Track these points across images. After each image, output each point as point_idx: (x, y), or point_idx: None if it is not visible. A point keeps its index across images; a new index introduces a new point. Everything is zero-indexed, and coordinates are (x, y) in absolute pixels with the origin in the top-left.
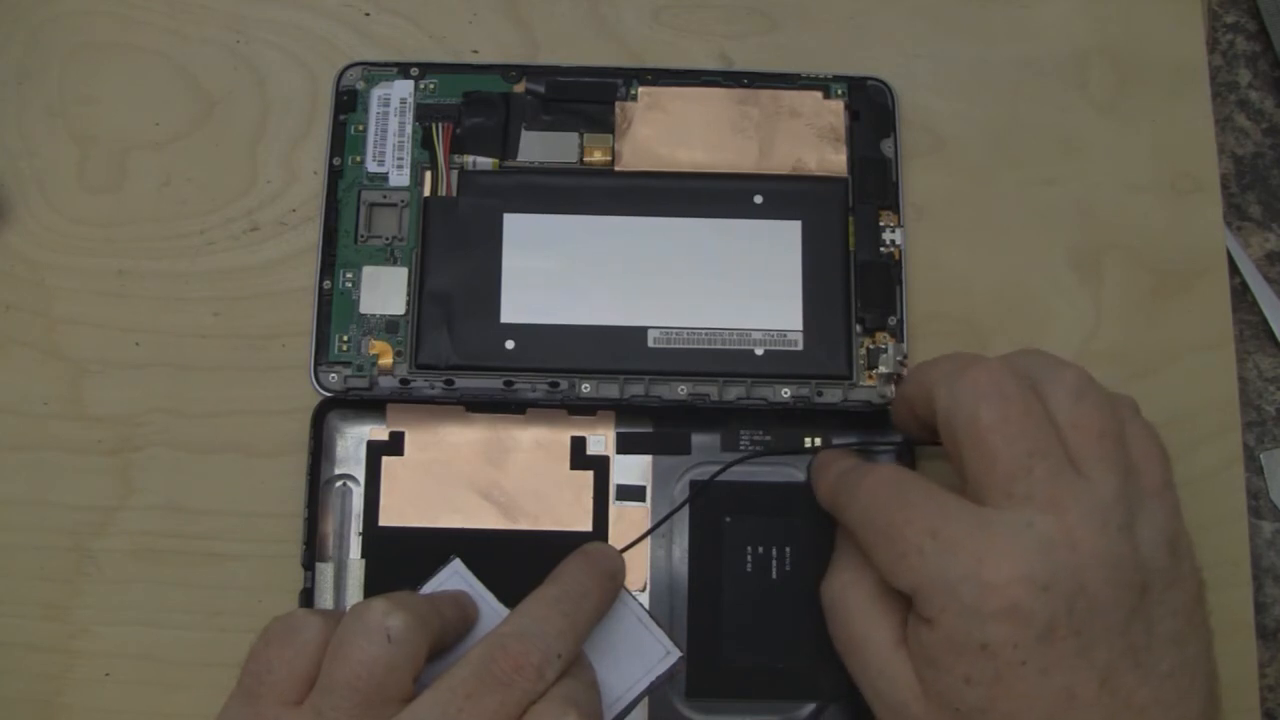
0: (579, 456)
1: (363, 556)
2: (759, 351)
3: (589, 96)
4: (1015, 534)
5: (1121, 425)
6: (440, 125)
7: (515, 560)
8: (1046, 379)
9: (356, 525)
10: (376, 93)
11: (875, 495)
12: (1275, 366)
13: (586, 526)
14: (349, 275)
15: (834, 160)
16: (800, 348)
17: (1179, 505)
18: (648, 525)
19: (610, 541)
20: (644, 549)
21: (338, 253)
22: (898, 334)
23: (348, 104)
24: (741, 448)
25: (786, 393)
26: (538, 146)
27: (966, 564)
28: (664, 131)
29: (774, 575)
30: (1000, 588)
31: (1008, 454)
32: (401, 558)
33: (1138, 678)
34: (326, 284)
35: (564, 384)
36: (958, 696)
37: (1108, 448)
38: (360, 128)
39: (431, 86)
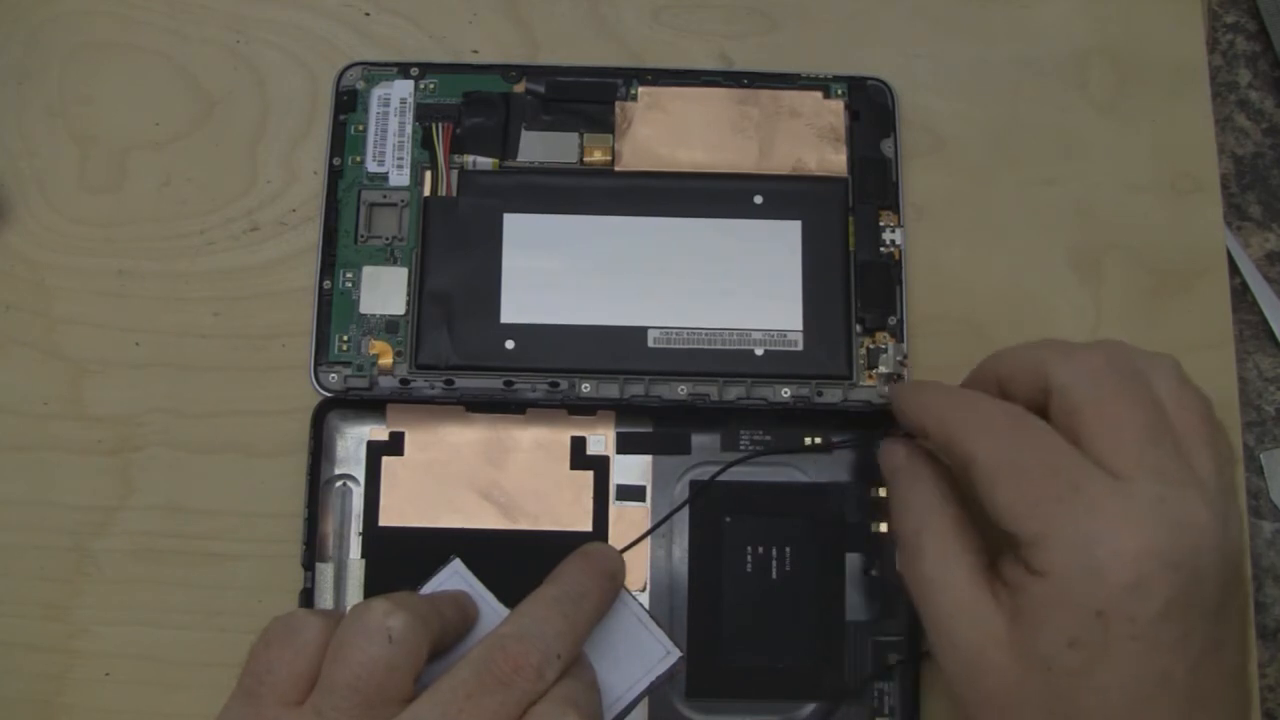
0: (579, 456)
1: (363, 556)
2: (759, 351)
3: (589, 96)
4: (1149, 507)
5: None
6: (440, 125)
7: (515, 560)
8: (1147, 364)
9: (356, 525)
10: (376, 93)
11: (1021, 433)
12: (1275, 366)
13: (586, 526)
14: (349, 275)
15: (834, 160)
16: (800, 348)
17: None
18: (648, 525)
19: (610, 541)
20: (644, 549)
21: (338, 253)
22: (898, 334)
23: (348, 104)
24: (741, 448)
25: (786, 393)
26: (538, 146)
27: (1104, 527)
28: (664, 131)
29: (774, 575)
30: (1133, 558)
31: (1134, 424)
32: (401, 558)
33: (1216, 670)
34: (326, 284)
35: (564, 384)
36: (1055, 656)
37: (1209, 433)
38: (360, 128)
39: (431, 86)
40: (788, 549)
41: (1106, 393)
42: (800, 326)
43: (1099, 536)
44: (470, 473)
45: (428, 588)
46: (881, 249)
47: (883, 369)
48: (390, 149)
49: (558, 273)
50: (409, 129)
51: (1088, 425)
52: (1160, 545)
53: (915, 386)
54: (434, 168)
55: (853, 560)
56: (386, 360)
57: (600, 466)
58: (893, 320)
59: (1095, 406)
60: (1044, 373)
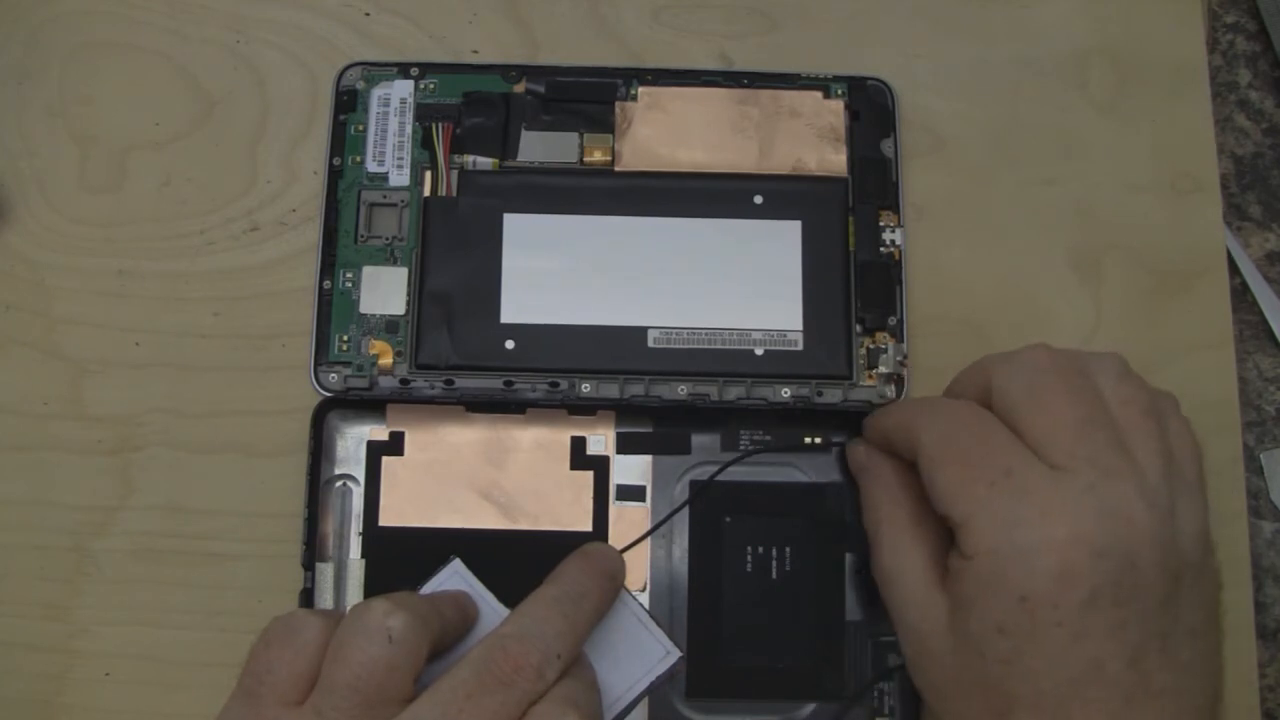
0: (579, 456)
1: (363, 556)
2: (759, 351)
3: (589, 96)
4: (1080, 495)
5: (1162, 413)
6: (440, 125)
7: (515, 560)
8: (1090, 362)
9: (356, 525)
10: (376, 93)
11: (963, 420)
12: (1275, 366)
13: (586, 526)
14: (349, 275)
15: (834, 160)
16: (800, 348)
17: (1207, 504)
18: (648, 525)
19: (610, 541)
20: (644, 549)
21: (338, 253)
22: (898, 334)
23: (348, 104)
24: (741, 448)
25: (786, 393)
26: (538, 146)
27: (1030, 512)
28: (664, 131)
29: (774, 575)
30: (1058, 545)
31: (1070, 417)
32: (401, 558)
33: (1161, 662)
34: (326, 284)
35: (564, 384)
36: (987, 643)
37: (1152, 427)
38: (360, 128)
39: (431, 86)
40: (788, 549)
41: (1043, 387)
42: (800, 326)
43: (1024, 520)
44: (470, 473)
45: (428, 588)
46: (881, 249)
47: (883, 369)
48: (390, 149)
49: (558, 273)
50: (409, 129)
51: (1024, 418)
52: (1087, 533)
53: (884, 408)
54: (434, 168)
55: (852, 560)
56: (386, 360)
57: (600, 466)
58: (893, 320)
59: (1031, 400)
60: (987, 376)
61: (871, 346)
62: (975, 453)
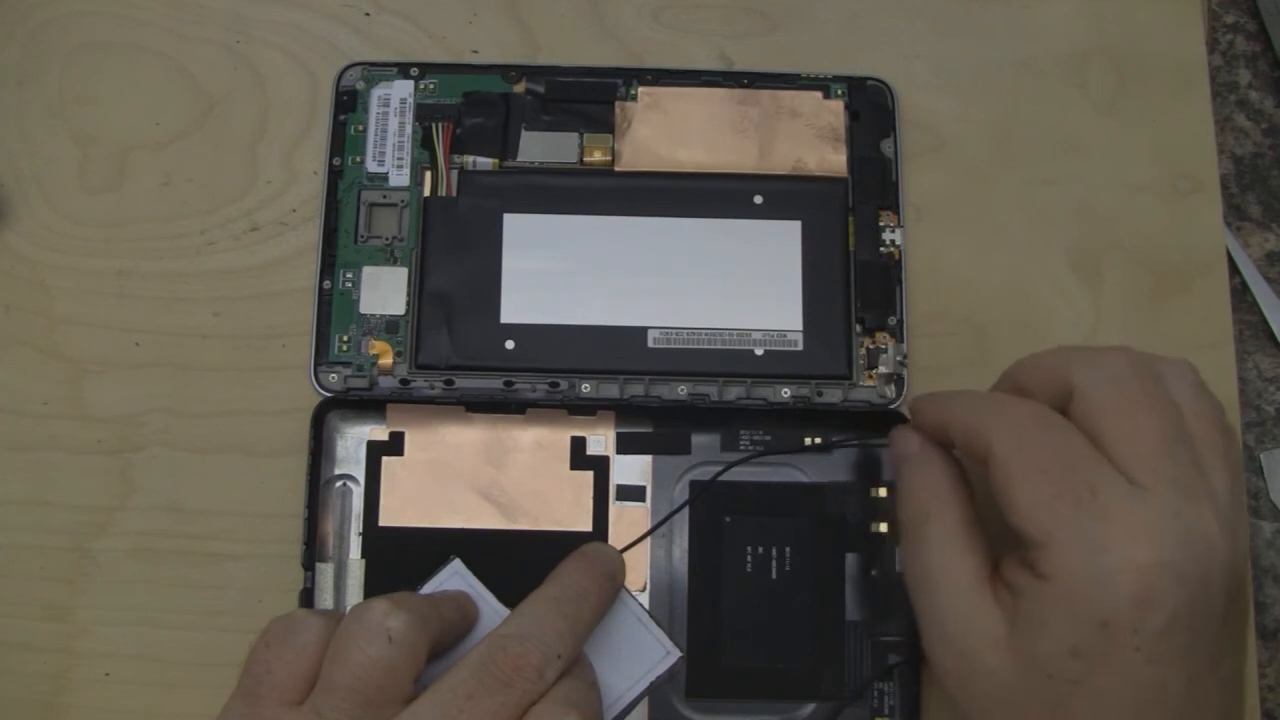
0: (579, 456)
1: (363, 556)
2: (759, 351)
3: (589, 96)
4: (1164, 519)
5: (1229, 424)
6: (440, 125)
7: (515, 560)
8: (1165, 369)
9: (356, 525)
10: (376, 93)
11: (1043, 428)
12: (1275, 366)
13: (586, 526)
14: (349, 275)
15: (834, 160)
16: (800, 348)
17: None
18: (648, 525)
19: (610, 542)
20: (644, 549)
21: (338, 253)
22: (898, 334)
23: (348, 104)
24: (741, 448)
25: (786, 393)
26: (538, 146)
27: (1117, 535)
28: (664, 131)
29: (774, 575)
30: (1143, 569)
31: (1154, 431)
32: (401, 558)
33: (1213, 680)
34: (326, 284)
35: (564, 384)
36: (1055, 664)
37: (1223, 444)
38: (360, 128)
39: (431, 86)
40: (788, 549)
41: (1128, 397)
42: (800, 326)
43: (1110, 544)
44: (470, 473)
45: (428, 588)
46: (881, 249)
47: (883, 369)
48: (390, 149)
49: (558, 273)
50: (409, 129)
51: (1109, 429)
52: (1171, 558)
53: (937, 394)
54: (434, 168)
55: (853, 560)
56: (386, 360)
57: (600, 466)
58: (893, 320)
59: (1117, 410)
60: (1066, 375)
61: (871, 346)
62: (1058, 467)
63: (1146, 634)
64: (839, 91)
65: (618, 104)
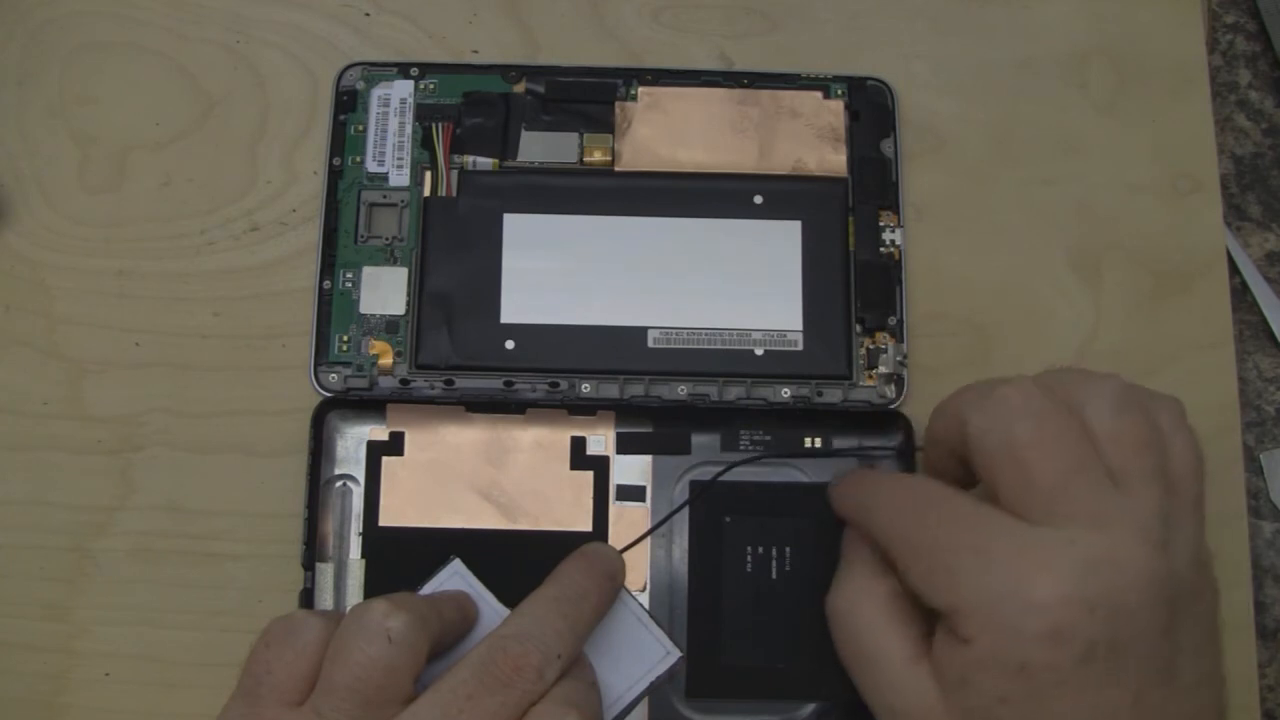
0: (579, 456)
1: (363, 556)
2: (759, 351)
3: (589, 96)
4: (1059, 552)
5: (1162, 436)
6: (440, 125)
7: (515, 560)
8: (1083, 391)
9: (356, 525)
10: (376, 93)
11: (915, 508)
12: (1275, 366)
13: (586, 526)
14: (349, 275)
15: (834, 160)
16: (800, 348)
17: (1204, 516)
18: (648, 525)
19: (610, 542)
20: (644, 549)
21: (338, 253)
22: (898, 334)
23: (348, 104)
24: (741, 448)
25: (786, 393)
26: (538, 146)
27: (1010, 583)
28: (664, 131)
29: (774, 575)
30: (1045, 608)
31: (1046, 470)
32: (401, 558)
33: (1167, 692)
34: (326, 284)
35: (564, 384)
36: (989, 715)
37: (1149, 461)
38: (360, 128)
39: (431, 86)
40: (788, 549)
41: (1018, 440)
42: (800, 326)
43: (1006, 593)
44: (470, 473)
45: (428, 588)
46: (881, 249)
47: (883, 369)
48: (390, 149)
49: (558, 273)
50: (409, 129)
51: (999, 475)
52: (1071, 590)
53: (844, 481)
54: (434, 168)
55: None
56: (386, 360)
57: (600, 467)
58: (893, 320)
59: (1006, 454)
60: (963, 423)
61: (871, 346)
62: (943, 543)
63: (1066, 668)
64: (839, 91)
65: (618, 104)
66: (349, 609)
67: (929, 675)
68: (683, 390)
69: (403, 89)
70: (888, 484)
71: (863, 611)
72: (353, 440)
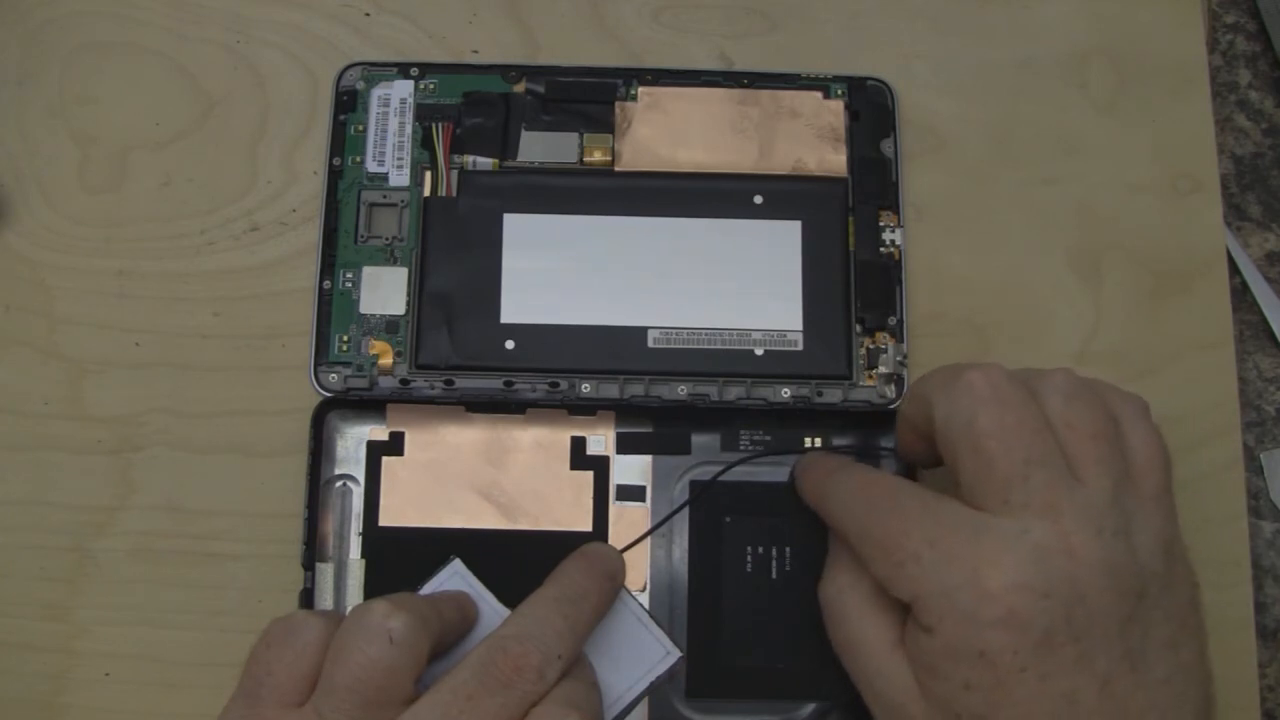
0: (579, 456)
1: (363, 556)
2: (759, 351)
3: (589, 96)
4: (1012, 541)
5: (1115, 426)
6: (440, 125)
7: (515, 560)
8: (1038, 381)
9: (356, 525)
10: (376, 93)
11: (868, 501)
12: (1275, 366)
13: (586, 526)
14: (349, 275)
15: (834, 160)
16: (800, 348)
17: (1175, 510)
18: (648, 525)
19: (610, 541)
20: (644, 549)
21: (338, 253)
22: (898, 334)
23: (348, 104)
24: (741, 448)
25: (786, 393)
26: (538, 146)
27: (964, 572)
28: (664, 131)
29: (774, 575)
30: (998, 595)
31: (1005, 460)
32: (401, 558)
33: (1134, 682)
34: (326, 284)
35: (564, 384)
36: (958, 702)
37: (1101, 450)
38: (360, 128)
39: (431, 86)
40: (788, 549)
41: (980, 425)
42: (800, 326)
43: (961, 583)
44: (470, 473)
45: (428, 588)
46: (881, 249)
47: (883, 369)
48: (390, 149)
49: (558, 273)
50: (409, 129)
51: (961, 462)
52: (1025, 577)
53: (803, 463)
54: (434, 168)
55: None
56: (386, 360)
57: (600, 466)
58: (893, 320)
59: (966, 441)
60: (929, 405)
61: (871, 346)
62: (892, 534)
63: (1025, 653)
64: (839, 91)
65: (618, 104)
66: (349, 609)
67: (906, 663)
68: (683, 390)
69: (403, 89)
70: (842, 477)
71: (848, 600)
72: (353, 440)
